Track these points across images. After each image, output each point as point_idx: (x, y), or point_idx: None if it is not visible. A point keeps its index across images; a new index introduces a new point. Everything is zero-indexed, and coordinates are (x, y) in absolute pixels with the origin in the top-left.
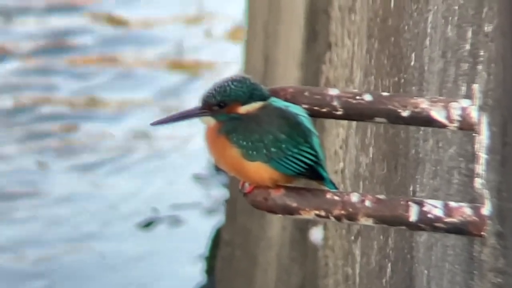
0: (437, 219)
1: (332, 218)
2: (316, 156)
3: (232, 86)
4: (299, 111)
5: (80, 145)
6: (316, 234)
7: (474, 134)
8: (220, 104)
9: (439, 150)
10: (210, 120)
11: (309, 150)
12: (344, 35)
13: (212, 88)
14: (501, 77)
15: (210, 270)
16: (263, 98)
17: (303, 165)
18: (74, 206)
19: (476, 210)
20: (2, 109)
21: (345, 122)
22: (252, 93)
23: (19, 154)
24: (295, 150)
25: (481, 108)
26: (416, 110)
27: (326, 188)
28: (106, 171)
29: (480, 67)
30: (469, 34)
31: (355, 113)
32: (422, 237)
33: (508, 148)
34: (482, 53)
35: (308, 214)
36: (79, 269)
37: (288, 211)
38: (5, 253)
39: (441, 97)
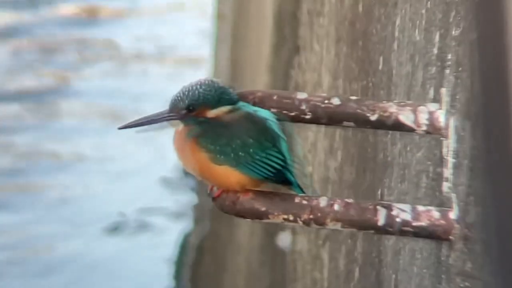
0: (405, 223)
1: (301, 223)
2: (284, 161)
3: (201, 90)
4: (267, 115)
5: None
6: (284, 239)
7: (442, 138)
8: (189, 108)
9: (407, 154)
10: (179, 124)
11: (277, 155)
12: (313, 39)
13: (180, 92)
14: (469, 81)
15: (178, 275)
16: (231, 102)
17: (271, 169)
18: (41, 208)
19: (444, 214)
20: None
21: (313, 126)
22: (220, 97)
23: None
24: (263, 155)
25: (449, 112)
26: (385, 114)
27: (295, 193)
28: (74, 174)
29: (447, 71)
30: (437, 38)
31: (324, 117)
32: (390, 241)
33: (475, 152)
34: (449, 57)
35: (277, 219)
36: (43, 270)
37: (256, 215)
38: None
39: (409, 101)
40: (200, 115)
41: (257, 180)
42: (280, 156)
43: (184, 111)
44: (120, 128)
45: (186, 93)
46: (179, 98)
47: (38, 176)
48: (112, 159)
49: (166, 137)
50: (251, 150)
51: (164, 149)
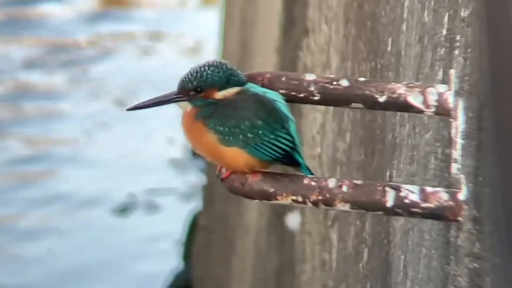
0: (414, 204)
1: (309, 204)
2: (292, 142)
3: (209, 71)
4: (276, 97)
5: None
6: (293, 220)
7: (450, 119)
8: (197, 89)
9: (416, 135)
10: (187, 105)
11: (285, 136)
12: (321, 20)
13: (188, 73)
14: (478, 62)
15: (187, 256)
16: (240, 83)
17: (279, 150)
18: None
19: (453, 195)
20: None
21: (322, 107)
22: (229, 78)
23: None
24: (272, 136)
25: (458, 93)
26: (393, 95)
27: (303, 174)
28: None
29: (456, 52)
30: (446, 19)
31: (332, 99)
32: (399, 222)
33: (484, 133)
34: (458, 38)
35: (285, 200)
36: (55, 254)
37: (265, 196)
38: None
39: (417, 83)
40: (208, 96)
41: (266, 162)
42: (289, 138)
43: (192, 92)
44: (128, 109)
45: (194, 74)
46: (187, 79)
47: (52, 158)
48: (121, 141)
49: (175, 119)
50: (260, 131)
51: (173, 130)
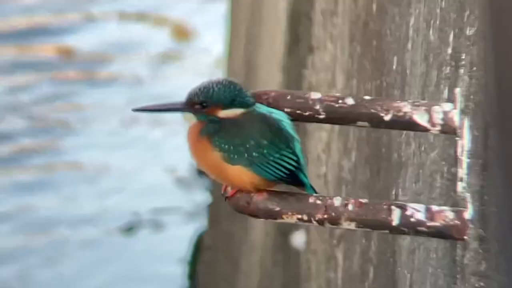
0: (420, 223)
1: (315, 222)
2: (297, 162)
3: (216, 89)
4: (282, 117)
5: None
6: (298, 238)
7: (456, 138)
8: (202, 104)
9: (422, 153)
10: (192, 117)
11: (290, 156)
12: (326, 38)
13: (197, 87)
14: (483, 80)
15: (192, 275)
16: (246, 105)
17: (284, 170)
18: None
19: (459, 214)
20: None
21: (327, 126)
22: (234, 98)
23: None
24: (277, 155)
25: (463, 112)
26: (399, 114)
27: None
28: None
29: (462, 70)
30: (451, 37)
31: (338, 117)
32: (405, 241)
33: (490, 152)
34: (464, 56)
35: (291, 219)
36: (57, 271)
37: (270, 215)
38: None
39: (423, 101)
40: (212, 113)
41: (270, 181)
42: (294, 157)
43: (197, 106)
44: (134, 110)
45: (202, 89)
46: (194, 92)
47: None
48: (126, 158)
49: (181, 137)
50: (264, 150)
51: (180, 148)
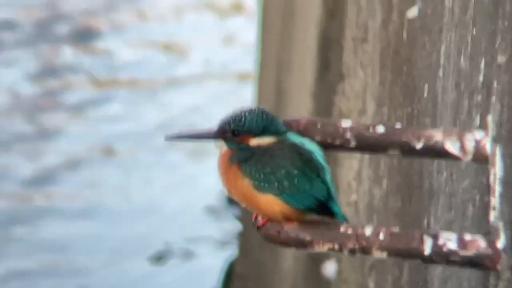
0: (452, 252)
1: (346, 252)
2: (328, 192)
3: (248, 117)
4: (313, 147)
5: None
6: (329, 267)
7: (488, 166)
8: (234, 132)
9: (453, 182)
10: (223, 146)
11: (321, 186)
12: (357, 65)
13: (229, 116)
14: None
15: None
16: (277, 134)
17: (314, 200)
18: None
19: (491, 243)
20: None
21: (358, 154)
22: (266, 127)
23: None
24: (307, 185)
25: (495, 140)
26: (430, 142)
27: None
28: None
29: (493, 98)
30: (482, 65)
31: (368, 146)
32: (437, 270)
33: None
34: (495, 84)
35: (322, 248)
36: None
37: (301, 244)
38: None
39: (454, 129)
40: (243, 141)
41: (301, 211)
42: (324, 187)
43: (229, 135)
44: (167, 139)
45: (233, 117)
46: (227, 121)
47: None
48: (156, 188)
49: (211, 164)
50: (295, 180)
51: (209, 177)
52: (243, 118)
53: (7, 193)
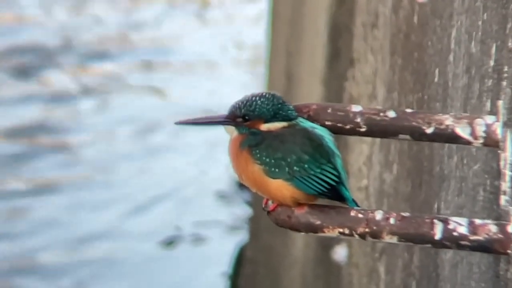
0: (462, 237)
1: (356, 236)
2: (338, 177)
3: (259, 102)
4: (324, 132)
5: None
6: (340, 252)
7: (499, 151)
8: (244, 117)
9: (464, 167)
10: (233, 131)
11: (331, 170)
12: (367, 51)
13: (240, 100)
14: None
15: None
16: (288, 119)
17: (325, 184)
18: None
19: (502, 227)
20: None
21: (368, 138)
22: (276, 112)
23: None
24: (318, 170)
25: (506, 124)
26: (441, 127)
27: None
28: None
29: (504, 83)
30: (493, 50)
31: (379, 130)
32: (448, 255)
33: None
34: (506, 69)
35: (332, 232)
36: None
37: (311, 229)
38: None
39: (465, 114)
40: (254, 126)
41: (311, 196)
42: (335, 172)
43: (239, 119)
44: (177, 123)
45: (244, 102)
46: (237, 106)
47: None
48: (167, 174)
49: (222, 150)
50: (306, 165)
51: (219, 162)
52: (254, 102)
53: None
